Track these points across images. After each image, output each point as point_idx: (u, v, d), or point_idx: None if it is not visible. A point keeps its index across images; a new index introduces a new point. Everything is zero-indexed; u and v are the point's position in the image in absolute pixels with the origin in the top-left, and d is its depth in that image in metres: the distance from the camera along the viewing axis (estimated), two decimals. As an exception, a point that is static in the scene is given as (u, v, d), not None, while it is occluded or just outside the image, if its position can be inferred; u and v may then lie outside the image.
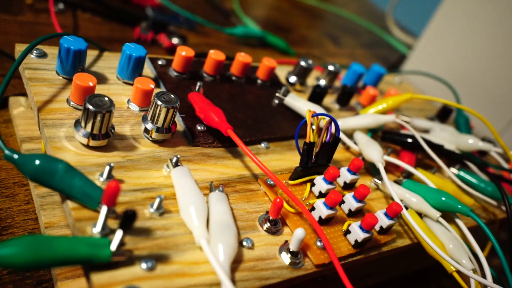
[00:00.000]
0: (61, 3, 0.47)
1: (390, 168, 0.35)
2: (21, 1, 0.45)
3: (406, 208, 0.30)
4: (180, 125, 0.29)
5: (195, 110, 0.29)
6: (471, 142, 0.38)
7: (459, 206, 0.30)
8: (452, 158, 0.37)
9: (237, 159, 0.29)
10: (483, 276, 0.27)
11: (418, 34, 0.75)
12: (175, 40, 0.48)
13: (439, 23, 0.58)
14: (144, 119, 0.27)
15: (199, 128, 0.29)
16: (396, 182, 0.33)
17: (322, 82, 0.41)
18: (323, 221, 0.26)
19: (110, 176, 0.23)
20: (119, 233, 0.19)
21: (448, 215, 0.31)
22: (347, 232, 0.26)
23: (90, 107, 0.23)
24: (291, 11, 0.77)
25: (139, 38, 0.47)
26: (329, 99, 0.41)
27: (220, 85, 0.34)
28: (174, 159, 0.25)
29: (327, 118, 0.28)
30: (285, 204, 0.26)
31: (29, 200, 0.28)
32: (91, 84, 0.26)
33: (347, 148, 0.35)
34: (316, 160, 0.29)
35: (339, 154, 0.34)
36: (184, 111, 0.30)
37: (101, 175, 0.23)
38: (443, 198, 0.30)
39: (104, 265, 0.19)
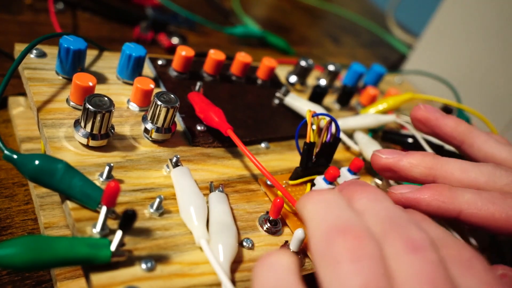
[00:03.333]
0: (60, 3, 0.47)
1: (390, 168, 0.35)
2: (21, 1, 0.45)
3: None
4: (180, 125, 0.29)
5: (195, 110, 0.29)
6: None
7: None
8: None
9: (237, 159, 0.29)
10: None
11: (419, 34, 0.75)
12: (175, 40, 0.48)
13: (440, 23, 0.58)
14: (144, 119, 0.27)
15: (199, 128, 0.29)
16: (396, 182, 0.32)
17: (323, 82, 0.41)
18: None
19: (110, 176, 0.23)
20: (118, 234, 0.19)
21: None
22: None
23: (90, 107, 0.23)
24: (291, 11, 0.77)
25: (139, 38, 0.47)
26: (330, 99, 0.41)
27: (220, 85, 0.34)
28: (174, 159, 0.25)
29: (328, 118, 0.28)
30: (285, 205, 0.26)
31: (29, 200, 0.28)
32: (90, 84, 0.26)
33: (348, 148, 0.35)
34: (316, 160, 0.28)
35: (339, 154, 0.34)
36: (184, 111, 0.30)
37: (101, 175, 0.23)
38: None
39: (103, 266, 0.19)
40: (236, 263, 0.22)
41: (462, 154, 0.28)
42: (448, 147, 0.37)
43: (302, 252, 0.24)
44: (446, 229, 0.18)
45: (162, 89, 0.31)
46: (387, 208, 0.18)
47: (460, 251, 0.16)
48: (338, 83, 0.44)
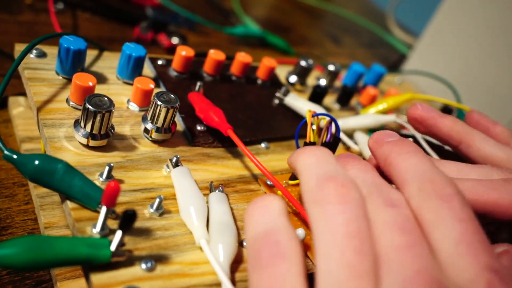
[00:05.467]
0: (60, 3, 0.47)
1: (390, 168, 0.35)
2: (21, 1, 0.45)
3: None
4: (180, 125, 0.29)
5: (195, 110, 0.29)
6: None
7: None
8: (453, 158, 0.37)
9: (237, 159, 0.29)
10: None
11: (419, 34, 0.75)
12: (175, 40, 0.48)
13: (440, 23, 0.58)
14: (144, 119, 0.27)
15: (199, 128, 0.29)
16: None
17: (323, 82, 0.41)
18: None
19: (110, 176, 0.23)
20: (118, 234, 0.19)
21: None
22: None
23: (90, 107, 0.23)
24: (291, 11, 0.77)
25: (139, 38, 0.47)
26: (330, 99, 0.41)
27: (220, 85, 0.34)
28: (174, 159, 0.25)
29: (328, 118, 0.28)
30: (285, 204, 0.26)
31: (29, 200, 0.28)
32: (90, 84, 0.26)
33: (348, 148, 0.35)
34: (317, 160, 0.28)
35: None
36: (184, 111, 0.30)
37: (101, 175, 0.23)
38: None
39: (103, 266, 0.19)
40: (236, 263, 0.22)
41: (459, 154, 0.28)
42: (448, 147, 0.37)
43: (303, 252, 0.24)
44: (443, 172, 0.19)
45: (162, 89, 0.31)
46: (373, 177, 0.20)
47: (445, 187, 0.18)
48: (338, 83, 0.44)
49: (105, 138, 0.24)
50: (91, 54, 0.31)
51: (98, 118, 0.23)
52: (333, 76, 0.41)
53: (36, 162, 0.21)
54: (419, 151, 0.21)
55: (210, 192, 0.25)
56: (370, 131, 0.37)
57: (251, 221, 0.19)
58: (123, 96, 0.29)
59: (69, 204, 0.21)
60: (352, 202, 0.17)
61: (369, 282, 0.16)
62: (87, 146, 0.24)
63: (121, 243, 0.19)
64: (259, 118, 0.33)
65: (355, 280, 0.16)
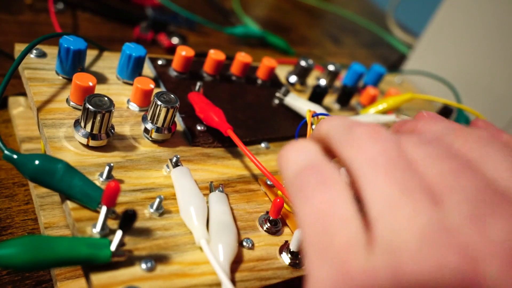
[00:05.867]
0: (60, 3, 0.47)
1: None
2: (21, 1, 0.45)
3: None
4: (180, 125, 0.29)
5: (195, 110, 0.29)
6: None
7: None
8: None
9: (237, 159, 0.29)
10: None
11: (419, 34, 0.75)
12: (175, 40, 0.48)
13: (440, 23, 0.58)
14: (144, 119, 0.27)
15: (199, 128, 0.29)
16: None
17: (323, 82, 0.41)
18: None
19: (110, 176, 0.23)
20: (119, 233, 0.19)
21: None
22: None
23: (90, 107, 0.23)
24: (291, 11, 0.77)
25: (139, 37, 0.47)
26: (330, 99, 0.41)
27: (220, 85, 0.34)
28: (174, 159, 0.25)
29: (328, 118, 0.28)
30: (285, 205, 0.26)
31: (29, 200, 0.28)
32: (90, 84, 0.26)
33: (348, 148, 0.35)
34: (317, 160, 0.28)
35: (339, 154, 0.34)
36: (184, 111, 0.30)
37: (101, 175, 0.23)
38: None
39: (103, 266, 0.19)
40: (236, 263, 0.22)
41: None
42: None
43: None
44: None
45: (162, 89, 0.31)
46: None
47: (479, 131, 0.17)
48: (338, 83, 0.44)
49: (105, 138, 0.24)
50: (91, 54, 0.31)
51: (98, 118, 0.23)
52: (333, 76, 0.41)
53: (36, 162, 0.21)
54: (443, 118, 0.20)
55: (210, 192, 0.25)
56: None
57: (289, 161, 0.17)
58: (123, 96, 0.29)
59: (69, 204, 0.21)
60: (386, 139, 0.16)
61: (425, 195, 0.14)
62: (87, 146, 0.24)
63: (121, 243, 0.19)
64: (259, 118, 0.33)
65: (409, 194, 0.14)
